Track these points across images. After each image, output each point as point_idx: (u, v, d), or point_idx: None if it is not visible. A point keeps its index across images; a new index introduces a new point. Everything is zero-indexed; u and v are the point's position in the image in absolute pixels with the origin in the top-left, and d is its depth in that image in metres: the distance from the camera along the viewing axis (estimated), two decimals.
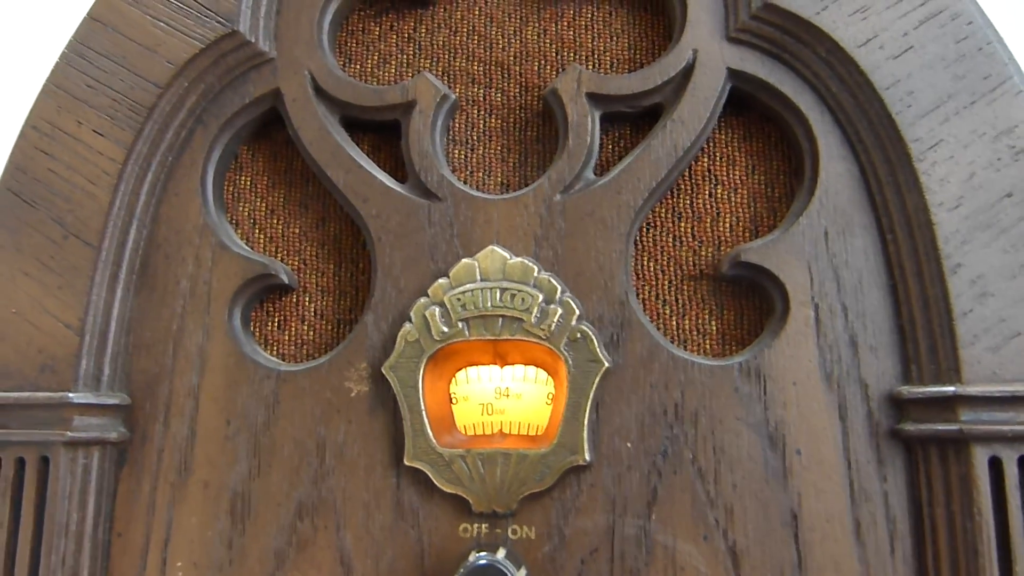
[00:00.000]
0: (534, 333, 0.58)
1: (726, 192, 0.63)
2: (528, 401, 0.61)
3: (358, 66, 0.68)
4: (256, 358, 0.62)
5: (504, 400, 0.61)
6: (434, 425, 0.58)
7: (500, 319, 0.59)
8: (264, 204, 0.67)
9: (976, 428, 0.52)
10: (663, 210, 0.63)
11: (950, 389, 0.53)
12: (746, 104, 0.63)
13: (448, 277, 0.60)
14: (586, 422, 0.57)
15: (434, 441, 0.58)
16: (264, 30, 0.65)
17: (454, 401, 0.62)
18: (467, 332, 0.59)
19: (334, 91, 0.64)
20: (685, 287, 0.62)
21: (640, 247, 0.63)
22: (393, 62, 0.68)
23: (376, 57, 0.68)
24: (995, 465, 0.52)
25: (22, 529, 0.58)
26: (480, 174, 0.65)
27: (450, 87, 0.66)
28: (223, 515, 0.60)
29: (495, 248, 0.60)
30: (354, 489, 0.59)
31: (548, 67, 0.66)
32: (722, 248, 0.62)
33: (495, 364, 0.62)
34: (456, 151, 0.66)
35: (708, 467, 0.56)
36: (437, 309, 0.59)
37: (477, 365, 0.62)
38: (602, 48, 0.66)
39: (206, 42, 0.64)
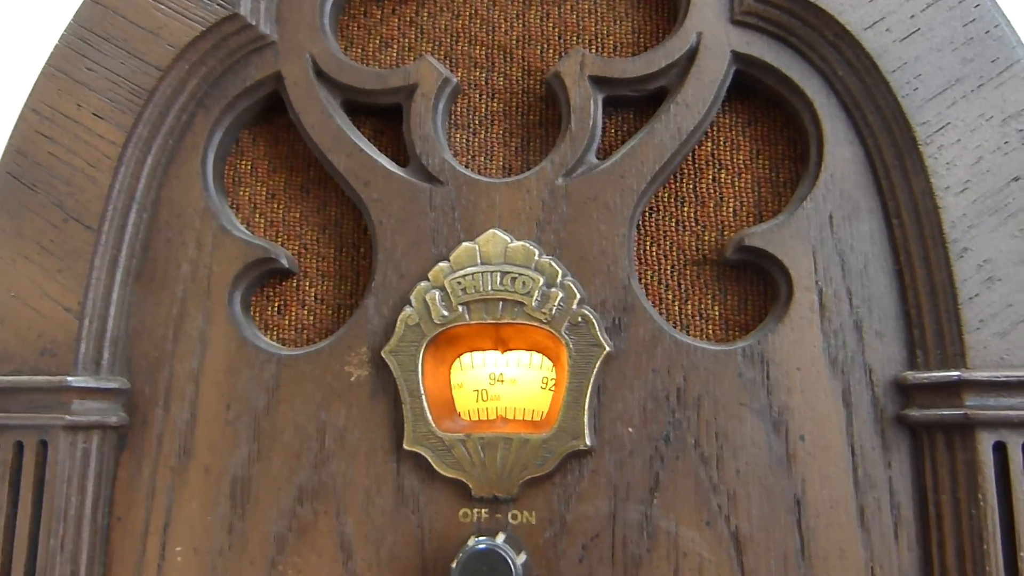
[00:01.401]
0: (535, 317, 0.58)
1: (730, 177, 0.62)
2: (523, 387, 0.61)
3: (360, 50, 0.68)
4: (256, 342, 0.61)
5: (499, 386, 0.61)
6: (434, 410, 0.58)
7: (500, 303, 0.58)
8: (265, 188, 0.67)
9: (982, 413, 0.52)
10: (666, 194, 0.63)
11: (955, 374, 0.53)
12: (751, 88, 0.63)
13: (449, 261, 0.59)
14: (587, 407, 0.56)
15: (434, 426, 0.57)
16: (265, 13, 0.64)
17: (459, 385, 0.62)
18: (467, 316, 0.58)
19: (336, 75, 0.64)
20: (688, 272, 0.61)
21: (643, 232, 0.62)
22: (395, 46, 0.68)
23: (378, 41, 0.68)
24: (1000, 450, 0.52)
25: (20, 513, 0.58)
26: (482, 158, 0.65)
27: (452, 71, 0.66)
28: (223, 500, 0.59)
29: (496, 232, 0.60)
30: (355, 474, 0.58)
31: (551, 51, 0.66)
32: (726, 233, 0.61)
33: (496, 349, 0.61)
34: (458, 135, 0.66)
35: (711, 453, 0.56)
36: (437, 293, 0.59)
37: (478, 350, 0.62)
38: (605, 31, 0.66)
39: (207, 25, 0.63)
